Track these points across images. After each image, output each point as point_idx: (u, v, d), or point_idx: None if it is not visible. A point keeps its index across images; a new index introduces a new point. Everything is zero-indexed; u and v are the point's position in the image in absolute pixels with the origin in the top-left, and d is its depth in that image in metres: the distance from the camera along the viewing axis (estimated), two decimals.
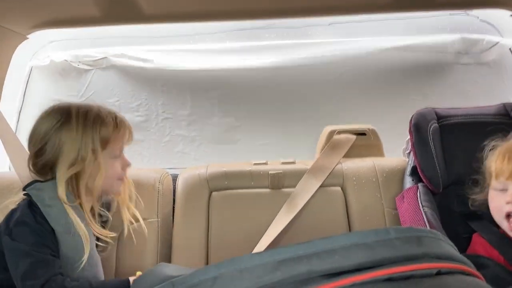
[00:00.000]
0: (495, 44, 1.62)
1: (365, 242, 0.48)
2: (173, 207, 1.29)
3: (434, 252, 0.50)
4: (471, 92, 1.69)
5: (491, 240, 0.98)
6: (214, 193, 1.27)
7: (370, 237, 0.49)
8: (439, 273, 0.48)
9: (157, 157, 1.70)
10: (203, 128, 1.72)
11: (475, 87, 1.69)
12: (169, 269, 0.56)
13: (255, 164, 1.34)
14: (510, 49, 1.63)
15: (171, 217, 1.27)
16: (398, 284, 0.45)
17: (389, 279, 0.45)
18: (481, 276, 0.53)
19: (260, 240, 1.18)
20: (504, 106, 1.22)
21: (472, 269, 0.53)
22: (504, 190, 0.95)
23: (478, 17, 1.61)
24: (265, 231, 1.19)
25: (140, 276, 0.59)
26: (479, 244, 1.00)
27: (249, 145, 1.71)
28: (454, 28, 1.66)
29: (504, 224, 0.95)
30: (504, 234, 0.97)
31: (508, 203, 0.93)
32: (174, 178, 1.35)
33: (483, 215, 1.07)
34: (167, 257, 1.21)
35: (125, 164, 1.05)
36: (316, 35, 1.68)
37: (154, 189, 1.27)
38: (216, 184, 1.28)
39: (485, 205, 1.04)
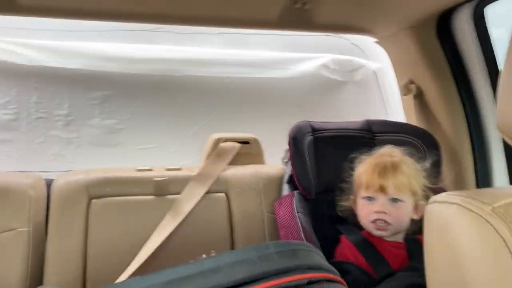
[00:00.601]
0: (362, 65, 1.83)
1: (247, 258, 0.52)
2: (47, 215, 1.19)
3: (306, 263, 0.57)
4: (341, 107, 1.88)
5: (355, 242, 1.10)
6: (93, 201, 1.21)
7: (252, 253, 0.53)
8: (310, 282, 0.55)
9: (29, 159, 1.55)
10: (82, 129, 1.61)
11: (345, 103, 1.88)
12: None
13: (138, 170, 1.31)
14: (373, 70, 1.86)
15: (45, 227, 1.18)
16: None
17: None
18: (343, 282, 0.61)
19: (143, 248, 1.16)
20: (367, 122, 1.39)
21: (336, 276, 0.60)
22: (372, 199, 1.08)
23: (349, 40, 1.81)
24: (149, 239, 1.18)
25: None
26: (346, 246, 1.11)
27: (132, 149, 1.66)
28: (331, 48, 1.83)
29: (370, 227, 1.08)
30: (366, 237, 1.10)
31: (376, 212, 1.06)
32: (49, 183, 1.25)
33: (348, 218, 1.21)
34: (39, 270, 1.12)
35: None
36: (205, 43, 1.70)
37: (25, 195, 1.16)
38: (96, 191, 1.22)
39: (350, 210, 1.17)
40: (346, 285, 0.60)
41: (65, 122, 1.60)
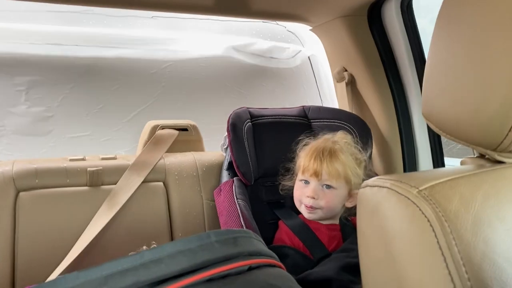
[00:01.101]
0: (298, 52, 1.87)
1: (189, 248, 0.52)
2: None
3: (247, 250, 0.58)
4: (278, 93, 1.91)
5: (292, 226, 1.13)
6: (22, 194, 1.14)
7: (194, 243, 0.53)
8: (250, 268, 0.56)
9: None
10: (6, 118, 1.49)
11: (281, 89, 1.91)
12: None
13: (71, 159, 1.25)
14: (308, 57, 1.90)
15: None
16: (217, 284, 0.51)
17: (209, 280, 0.51)
18: (283, 266, 0.63)
19: (77, 243, 1.11)
20: (303, 108, 1.43)
21: (276, 261, 0.62)
22: (307, 183, 1.11)
23: (285, 27, 1.84)
24: (83, 231, 1.14)
25: None
26: (284, 231, 1.14)
27: (63, 137, 1.57)
28: (267, 34, 1.84)
29: (302, 209, 1.12)
30: (303, 221, 1.14)
31: (307, 196, 1.09)
32: None
33: (286, 203, 1.24)
34: None
35: None
36: (137, 26, 1.64)
37: None
38: (25, 183, 1.15)
39: (291, 191, 1.19)
40: (285, 269, 0.62)
41: None
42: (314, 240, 1.09)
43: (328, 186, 1.08)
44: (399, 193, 0.47)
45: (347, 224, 1.14)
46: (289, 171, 1.21)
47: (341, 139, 1.16)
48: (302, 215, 1.15)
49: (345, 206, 1.12)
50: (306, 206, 1.09)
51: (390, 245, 0.47)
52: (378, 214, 0.49)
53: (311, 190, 1.09)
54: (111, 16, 1.59)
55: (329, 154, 1.09)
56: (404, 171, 1.46)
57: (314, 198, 1.08)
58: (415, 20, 1.37)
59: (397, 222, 0.46)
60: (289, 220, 1.17)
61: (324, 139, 1.16)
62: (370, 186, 0.52)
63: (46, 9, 1.50)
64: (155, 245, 0.81)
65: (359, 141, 1.25)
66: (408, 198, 0.46)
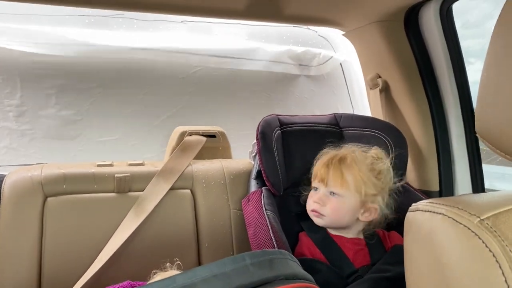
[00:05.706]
0: (329, 58, 1.81)
1: (223, 272, 0.49)
2: None
3: (283, 273, 0.54)
4: (308, 100, 1.86)
5: (317, 240, 1.09)
6: (49, 199, 1.13)
7: (228, 266, 0.50)
8: None
9: None
10: (36, 121, 1.50)
11: (311, 96, 1.87)
12: None
13: (99, 165, 1.23)
14: (340, 63, 1.85)
15: None
16: None
17: None
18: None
19: (103, 250, 1.10)
20: (335, 116, 1.38)
21: (312, 283, 0.58)
22: (316, 190, 1.10)
23: (317, 32, 1.79)
24: (110, 239, 1.12)
25: None
26: (305, 244, 1.10)
27: (91, 141, 1.57)
28: (298, 39, 1.80)
29: (311, 215, 1.10)
30: (328, 234, 1.09)
31: (314, 202, 1.08)
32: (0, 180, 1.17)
33: None
34: None
35: None
36: (167, 30, 1.63)
37: None
38: (53, 188, 1.14)
39: None
40: None
41: (17, 112, 1.49)
42: (340, 255, 1.04)
43: (333, 193, 1.06)
44: (457, 222, 0.42)
45: (372, 239, 1.09)
46: (309, 182, 1.18)
47: (357, 148, 1.13)
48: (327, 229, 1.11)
49: (359, 219, 1.07)
50: (313, 211, 1.09)
51: (446, 279, 0.42)
52: (432, 243, 0.44)
53: (317, 196, 1.08)
54: (141, 20, 1.58)
55: (338, 161, 1.08)
56: (440, 183, 1.39)
57: (319, 203, 1.07)
58: (455, 25, 1.31)
59: (456, 255, 0.41)
60: (313, 233, 1.12)
61: (345, 149, 1.13)
62: (422, 210, 0.48)
63: (76, 13, 1.50)
64: (178, 262, 0.78)
65: (393, 151, 1.21)
66: (469, 229, 0.41)
